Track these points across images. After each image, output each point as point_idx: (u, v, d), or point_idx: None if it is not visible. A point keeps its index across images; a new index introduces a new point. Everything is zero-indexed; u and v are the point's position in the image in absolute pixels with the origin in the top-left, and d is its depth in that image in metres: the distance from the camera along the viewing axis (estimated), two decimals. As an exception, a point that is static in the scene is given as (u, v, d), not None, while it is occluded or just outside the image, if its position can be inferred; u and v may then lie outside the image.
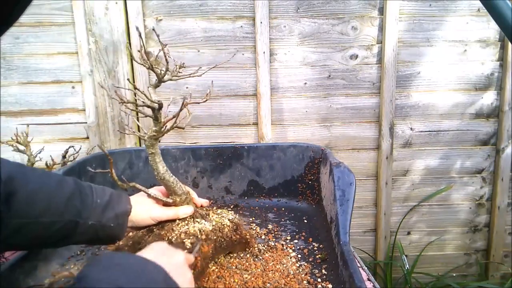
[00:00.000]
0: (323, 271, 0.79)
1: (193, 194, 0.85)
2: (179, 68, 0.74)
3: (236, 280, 0.74)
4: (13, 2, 0.35)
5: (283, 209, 1.14)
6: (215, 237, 0.77)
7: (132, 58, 0.63)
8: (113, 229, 0.72)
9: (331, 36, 1.56)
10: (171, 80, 0.74)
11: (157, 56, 1.54)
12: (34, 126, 1.53)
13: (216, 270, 0.78)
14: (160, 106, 0.71)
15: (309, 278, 0.76)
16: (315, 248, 0.90)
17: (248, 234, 0.86)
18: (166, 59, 0.72)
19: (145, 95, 0.71)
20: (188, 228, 0.75)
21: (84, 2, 1.46)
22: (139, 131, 1.58)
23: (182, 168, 1.17)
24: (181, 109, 0.73)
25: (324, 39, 1.56)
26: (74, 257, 0.85)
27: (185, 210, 0.80)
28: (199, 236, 0.74)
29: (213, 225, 0.78)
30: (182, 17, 1.52)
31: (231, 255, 0.84)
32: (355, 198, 1.75)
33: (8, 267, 0.68)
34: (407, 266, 1.70)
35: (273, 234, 0.97)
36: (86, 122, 1.57)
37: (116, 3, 1.47)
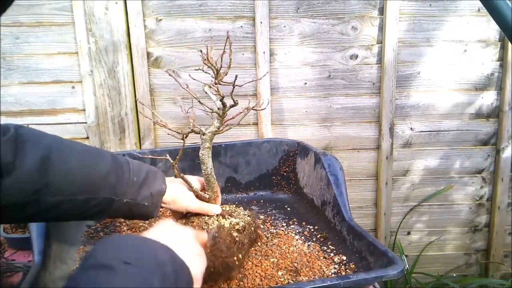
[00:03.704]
0: (331, 247, 0.88)
1: (219, 192, 0.86)
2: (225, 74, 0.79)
3: (268, 264, 0.80)
4: None
5: (262, 201, 1.19)
6: (249, 232, 0.80)
7: (205, 60, 0.65)
8: (147, 208, 0.72)
9: (331, 36, 1.56)
10: (220, 84, 0.77)
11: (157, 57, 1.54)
12: (34, 126, 1.53)
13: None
14: (235, 104, 0.74)
15: (323, 254, 0.85)
16: (312, 230, 0.98)
17: (260, 230, 0.90)
18: (230, 64, 0.76)
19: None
20: (223, 224, 0.77)
21: (84, 2, 1.46)
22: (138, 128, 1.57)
23: (161, 170, 1.17)
24: (248, 112, 0.80)
25: (324, 39, 1.56)
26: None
27: (216, 209, 0.81)
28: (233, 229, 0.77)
29: (244, 221, 0.81)
30: (182, 17, 1.52)
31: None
32: (356, 198, 1.78)
33: (28, 283, 0.68)
34: (407, 266, 1.70)
35: (269, 223, 1.03)
36: (86, 122, 1.57)
37: (116, 3, 1.47)
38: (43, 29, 1.50)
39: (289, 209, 1.12)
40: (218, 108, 0.76)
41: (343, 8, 1.54)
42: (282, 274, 0.77)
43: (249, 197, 1.23)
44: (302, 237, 0.94)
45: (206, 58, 0.74)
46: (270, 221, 1.04)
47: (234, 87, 0.73)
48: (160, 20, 1.52)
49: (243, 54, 1.56)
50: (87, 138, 1.59)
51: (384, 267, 0.66)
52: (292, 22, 1.54)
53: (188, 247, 0.56)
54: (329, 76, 1.59)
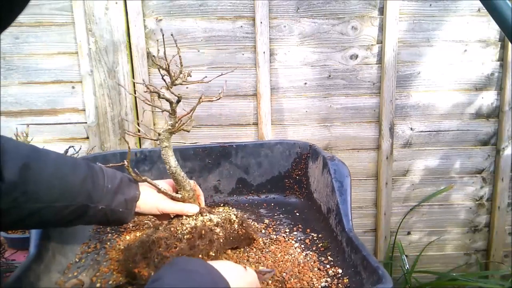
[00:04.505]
0: (329, 258, 0.84)
1: (199, 191, 0.87)
2: (187, 76, 0.79)
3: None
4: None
5: (272, 204, 1.16)
6: (224, 228, 0.79)
7: (152, 61, 0.66)
8: (122, 214, 0.74)
9: (331, 36, 1.56)
10: (181, 84, 0.77)
11: (157, 56, 1.54)
12: (34, 126, 1.53)
13: None
14: (179, 99, 0.75)
15: (318, 265, 0.81)
16: (315, 238, 0.94)
17: (252, 230, 0.88)
18: (181, 62, 0.76)
19: (168, 89, 0.75)
20: (196, 222, 0.78)
21: (84, 2, 1.46)
22: (139, 131, 1.58)
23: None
24: (196, 105, 0.78)
25: (324, 39, 1.56)
26: (73, 264, 0.85)
27: (192, 209, 0.81)
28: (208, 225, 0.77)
29: (221, 218, 0.81)
30: (182, 17, 1.52)
31: (239, 250, 0.86)
32: (356, 198, 1.77)
33: (15, 278, 0.68)
34: (407, 266, 1.70)
35: (272, 228, 1.00)
36: (86, 122, 1.57)
37: (116, 3, 1.47)
38: (43, 29, 1.50)
39: (297, 214, 1.09)
40: (171, 108, 0.77)
41: (343, 8, 1.54)
42: (266, 284, 0.73)
43: (260, 200, 1.19)
44: (302, 245, 0.90)
45: (153, 61, 0.75)
46: (274, 226, 1.01)
47: (172, 83, 0.75)
48: (160, 20, 1.52)
49: (243, 54, 1.56)
50: (87, 138, 1.59)
51: (375, 284, 0.62)
52: (292, 22, 1.54)
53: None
54: (329, 76, 1.59)
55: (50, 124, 1.58)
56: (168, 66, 0.74)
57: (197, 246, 0.72)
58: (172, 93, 0.74)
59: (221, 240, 0.77)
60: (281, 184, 1.21)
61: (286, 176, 1.21)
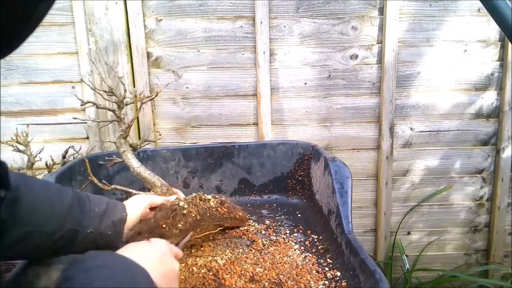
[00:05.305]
0: (328, 260, 0.83)
1: (174, 189, 0.91)
2: (140, 95, 0.86)
3: (254, 273, 0.77)
4: (12, 31, 0.36)
5: (274, 205, 1.16)
6: (193, 204, 0.82)
7: (91, 88, 0.75)
8: (111, 237, 0.74)
9: (331, 36, 1.56)
10: (132, 103, 0.84)
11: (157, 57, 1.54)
12: (34, 126, 1.53)
13: (227, 265, 0.79)
14: (119, 106, 0.80)
15: (317, 267, 0.80)
16: (315, 240, 0.93)
17: (238, 210, 0.90)
18: (123, 83, 0.85)
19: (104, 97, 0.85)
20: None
21: (84, 2, 1.46)
22: (139, 132, 1.58)
23: (173, 169, 1.17)
24: (140, 107, 0.85)
25: (324, 39, 1.56)
26: None
27: (172, 198, 0.86)
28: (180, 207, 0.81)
29: (190, 197, 0.84)
30: (182, 17, 1.52)
31: (238, 251, 0.86)
32: (356, 198, 1.77)
33: (14, 277, 0.68)
34: (407, 266, 1.70)
35: (272, 229, 1.00)
36: (86, 122, 1.57)
37: (116, 3, 1.47)
38: (43, 29, 1.49)
39: (299, 215, 1.08)
40: (116, 116, 0.81)
41: (343, 8, 1.54)
42: (263, 286, 0.73)
43: (262, 200, 1.19)
44: (302, 247, 0.89)
45: (92, 89, 0.84)
46: (274, 227, 1.01)
47: (121, 101, 0.82)
48: (160, 20, 1.51)
49: (243, 54, 1.56)
50: (87, 138, 1.59)
51: None
52: (292, 22, 1.54)
53: (162, 270, 0.58)
54: (329, 76, 1.59)
55: (50, 124, 1.58)
56: (111, 90, 0.81)
57: (159, 218, 0.75)
58: (113, 102, 0.79)
59: (193, 214, 0.79)
60: (284, 184, 1.21)
61: (289, 176, 1.21)
